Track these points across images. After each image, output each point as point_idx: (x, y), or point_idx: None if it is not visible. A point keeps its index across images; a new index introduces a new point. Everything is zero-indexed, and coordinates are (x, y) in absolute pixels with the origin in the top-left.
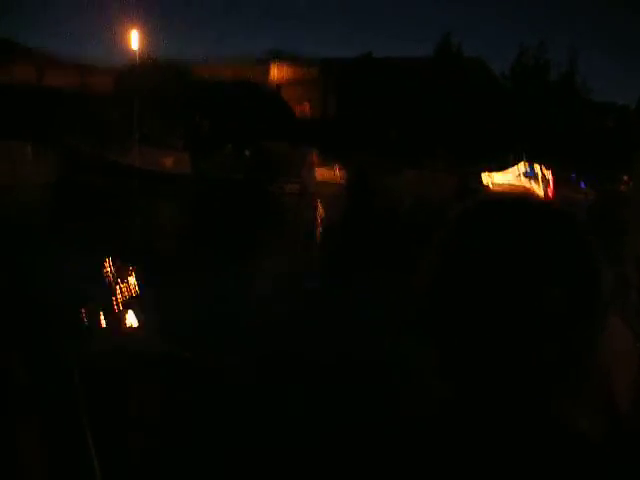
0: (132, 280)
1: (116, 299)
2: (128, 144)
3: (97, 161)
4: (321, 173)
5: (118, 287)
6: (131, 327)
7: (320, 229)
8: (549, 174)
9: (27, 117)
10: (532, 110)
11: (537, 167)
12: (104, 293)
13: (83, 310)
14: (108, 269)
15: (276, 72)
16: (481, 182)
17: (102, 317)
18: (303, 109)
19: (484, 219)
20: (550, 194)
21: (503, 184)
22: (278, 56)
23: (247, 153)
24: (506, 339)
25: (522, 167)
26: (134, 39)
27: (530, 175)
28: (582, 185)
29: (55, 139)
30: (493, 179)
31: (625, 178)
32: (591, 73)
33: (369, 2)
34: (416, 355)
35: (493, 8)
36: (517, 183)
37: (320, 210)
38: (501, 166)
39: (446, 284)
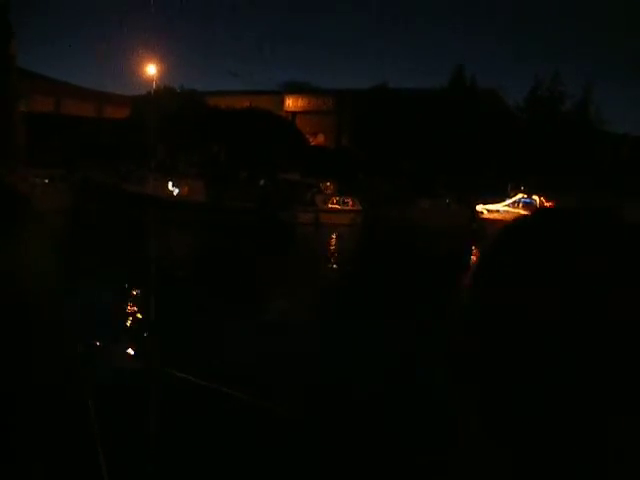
0: (142, 307)
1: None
2: (143, 172)
3: (111, 189)
4: (335, 203)
5: (130, 316)
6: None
7: (333, 260)
8: (549, 205)
9: (45, 145)
10: (544, 142)
11: (536, 197)
12: (115, 321)
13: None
14: (121, 297)
15: (291, 102)
16: (476, 211)
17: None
18: (317, 139)
19: (543, 229)
20: None
21: (497, 210)
22: (293, 87)
23: (262, 182)
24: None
25: (519, 196)
26: (151, 69)
27: (526, 203)
28: None
29: (71, 167)
30: (487, 207)
31: None
32: (606, 103)
33: (384, 34)
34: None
35: (508, 39)
36: (512, 210)
37: (334, 241)
38: (500, 196)
39: (496, 314)
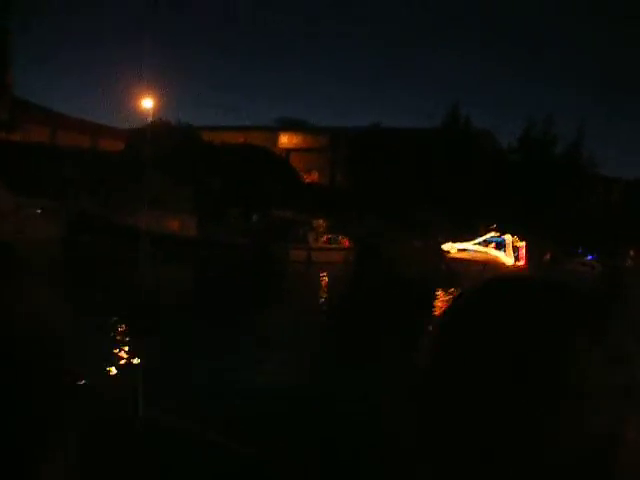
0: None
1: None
2: (136, 205)
3: (103, 222)
4: (327, 241)
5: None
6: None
7: (324, 299)
8: (522, 245)
9: (38, 175)
10: (536, 183)
11: (508, 237)
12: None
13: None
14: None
15: (285, 139)
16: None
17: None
18: (311, 176)
19: (487, 298)
20: (520, 263)
21: (465, 250)
22: (287, 123)
23: (254, 218)
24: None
25: (489, 235)
26: (146, 102)
27: (496, 242)
28: (590, 258)
29: (64, 198)
30: (455, 245)
31: (631, 253)
32: (599, 146)
33: (378, 74)
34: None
35: (502, 82)
36: (480, 249)
37: (325, 279)
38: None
39: (443, 363)
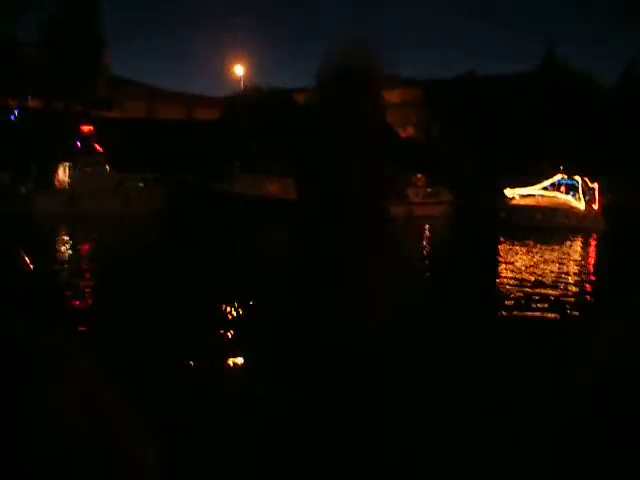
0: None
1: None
2: (233, 172)
3: (202, 190)
4: (427, 195)
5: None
6: None
7: (428, 255)
8: (595, 186)
9: (138, 149)
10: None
11: (578, 178)
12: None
13: None
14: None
15: None
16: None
17: None
18: (407, 132)
19: None
20: (595, 207)
21: (533, 195)
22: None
23: None
24: None
25: (557, 177)
26: (239, 69)
27: (566, 184)
28: None
29: (163, 170)
30: (518, 191)
31: None
32: None
33: (470, 23)
34: None
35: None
36: (547, 194)
37: (428, 235)
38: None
39: None
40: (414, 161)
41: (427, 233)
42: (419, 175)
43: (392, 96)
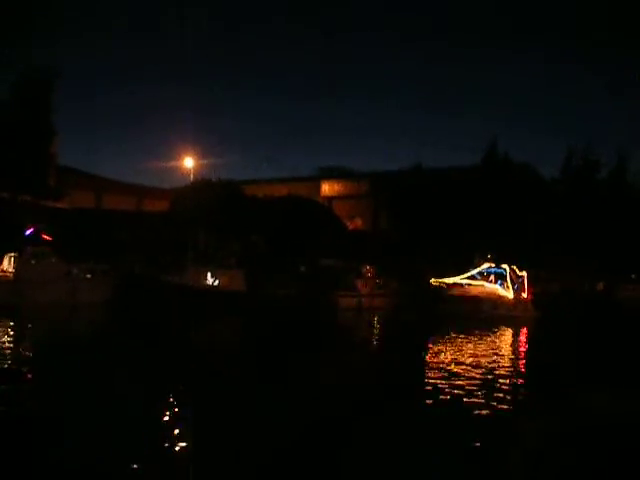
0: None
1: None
2: (183, 263)
3: (151, 281)
4: (376, 286)
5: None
6: None
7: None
8: (524, 275)
9: (87, 239)
10: (583, 211)
11: (505, 267)
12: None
13: None
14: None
15: (327, 188)
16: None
17: None
18: (355, 223)
19: None
20: (524, 295)
21: (460, 284)
22: (328, 172)
23: (302, 269)
24: None
25: (485, 266)
26: (188, 162)
27: (495, 273)
28: None
29: (112, 260)
30: (444, 280)
31: None
32: None
33: (413, 115)
34: None
35: (540, 116)
36: (477, 283)
37: (376, 324)
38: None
39: None
40: (363, 252)
41: (376, 325)
42: (368, 266)
43: (339, 188)
